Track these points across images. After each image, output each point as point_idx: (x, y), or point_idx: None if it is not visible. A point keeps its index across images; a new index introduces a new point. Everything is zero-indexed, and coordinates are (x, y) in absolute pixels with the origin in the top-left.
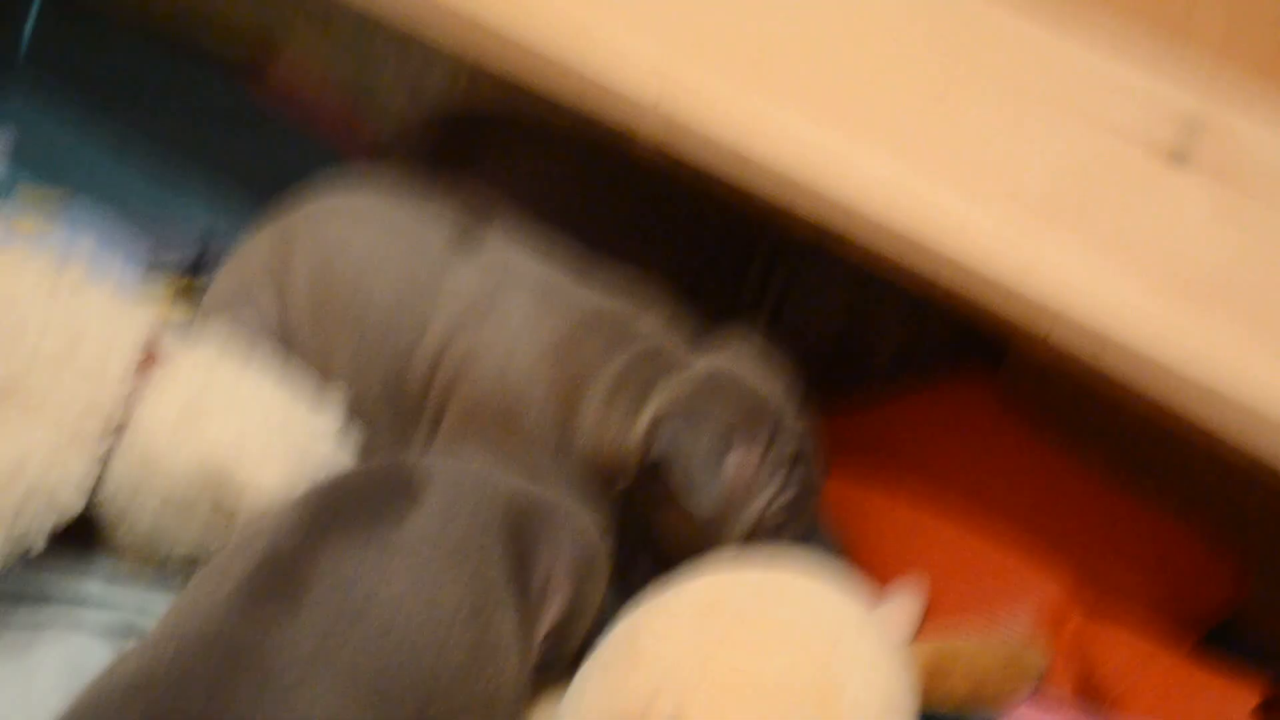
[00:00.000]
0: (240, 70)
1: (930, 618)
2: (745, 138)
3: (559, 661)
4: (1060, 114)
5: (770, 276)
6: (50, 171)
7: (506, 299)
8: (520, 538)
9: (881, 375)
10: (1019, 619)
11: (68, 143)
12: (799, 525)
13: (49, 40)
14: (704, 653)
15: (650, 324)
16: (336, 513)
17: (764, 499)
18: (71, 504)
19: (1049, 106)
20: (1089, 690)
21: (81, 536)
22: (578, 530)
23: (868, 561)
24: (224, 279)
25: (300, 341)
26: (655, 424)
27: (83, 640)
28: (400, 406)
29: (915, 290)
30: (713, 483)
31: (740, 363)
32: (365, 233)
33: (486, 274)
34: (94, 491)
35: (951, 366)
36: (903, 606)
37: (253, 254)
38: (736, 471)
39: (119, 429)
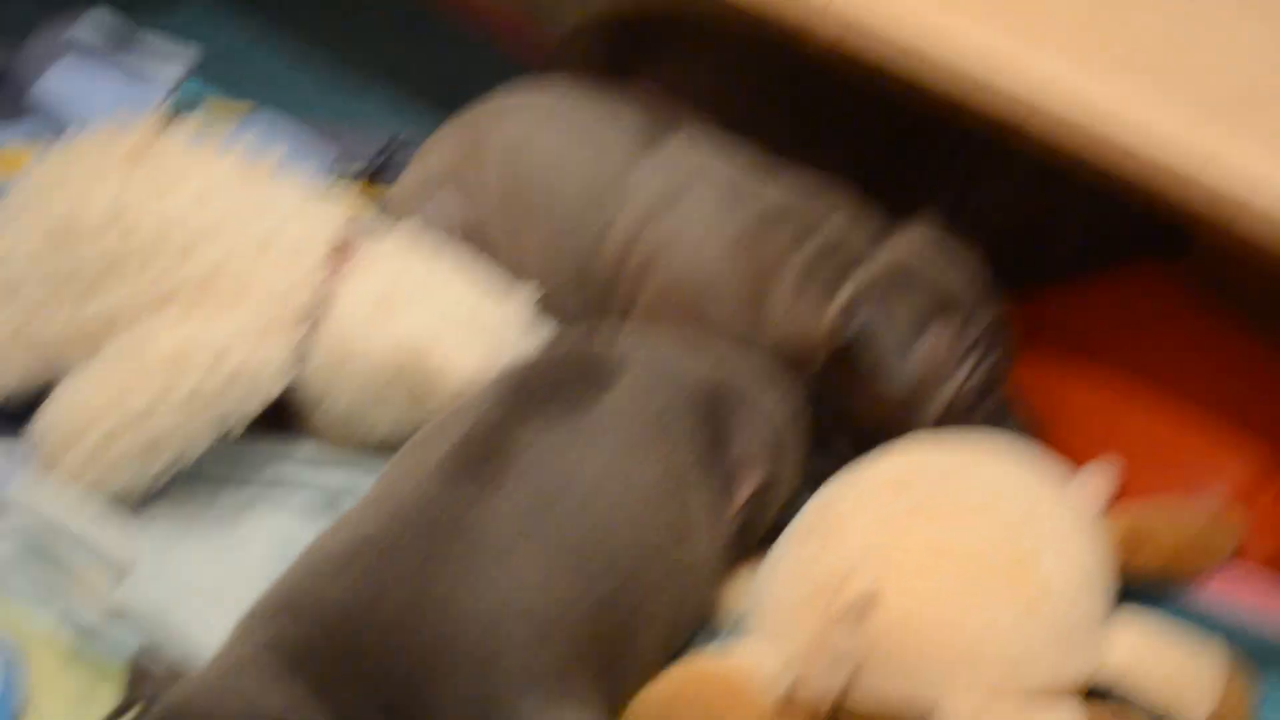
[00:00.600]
0: None
1: (1122, 498)
2: (920, 36)
3: (753, 537)
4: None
5: (949, 171)
6: (234, 85)
7: (694, 192)
8: (713, 417)
9: (1064, 267)
10: (1211, 497)
11: (250, 56)
12: (990, 406)
13: None
14: (898, 527)
15: (835, 216)
16: (535, 393)
17: (957, 381)
18: (271, 388)
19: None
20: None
21: (280, 421)
22: (771, 409)
23: (1058, 445)
24: (412, 175)
25: (488, 234)
26: (847, 308)
27: (283, 520)
28: (589, 297)
29: (1097, 181)
30: (905, 364)
31: (927, 249)
32: (553, 129)
33: (673, 168)
34: (293, 376)
35: (1135, 256)
36: (1096, 481)
37: (439, 151)
38: (929, 354)
39: (315, 315)
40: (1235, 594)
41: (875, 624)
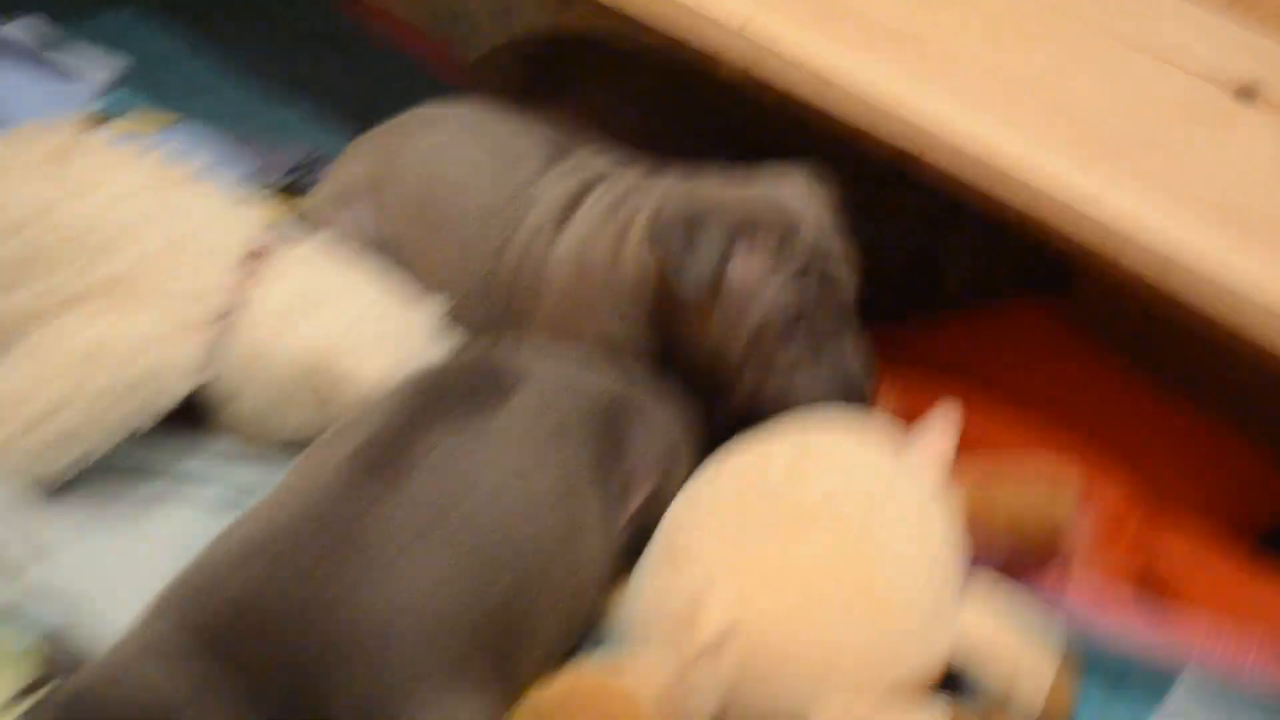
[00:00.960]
0: None
1: None
2: (826, 65)
3: (645, 543)
4: (1130, 51)
5: (845, 199)
6: (159, 95)
7: (585, 202)
8: (609, 431)
9: (951, 298)
10: (1082, 521)
11: (175, 69)
12: (816, 334)
13: None
14: (741, 549)
15: (682, 179)
16: (437, 400)
17: (768, 300)
18: (178, 388)
19: (1119, 43)
20: (1149, 586)
21: (190, 418)
22: (664, 423)
23: None
24: (327, 186)
25: (400, 245)
26: (650, 235)
27: (189, 514)
28: (493, 307)
29: (986, 216)
30: (698, 269)
31: (771, 186)
32: (463, 145)
33: (574, 179)
34: (204, 376)
35: (1018, 291)
36: (937, 436)
37: (354, 164)
38: (740, 271)
39: (225, 318)
40: (1098, 609)
41: (734, 653)
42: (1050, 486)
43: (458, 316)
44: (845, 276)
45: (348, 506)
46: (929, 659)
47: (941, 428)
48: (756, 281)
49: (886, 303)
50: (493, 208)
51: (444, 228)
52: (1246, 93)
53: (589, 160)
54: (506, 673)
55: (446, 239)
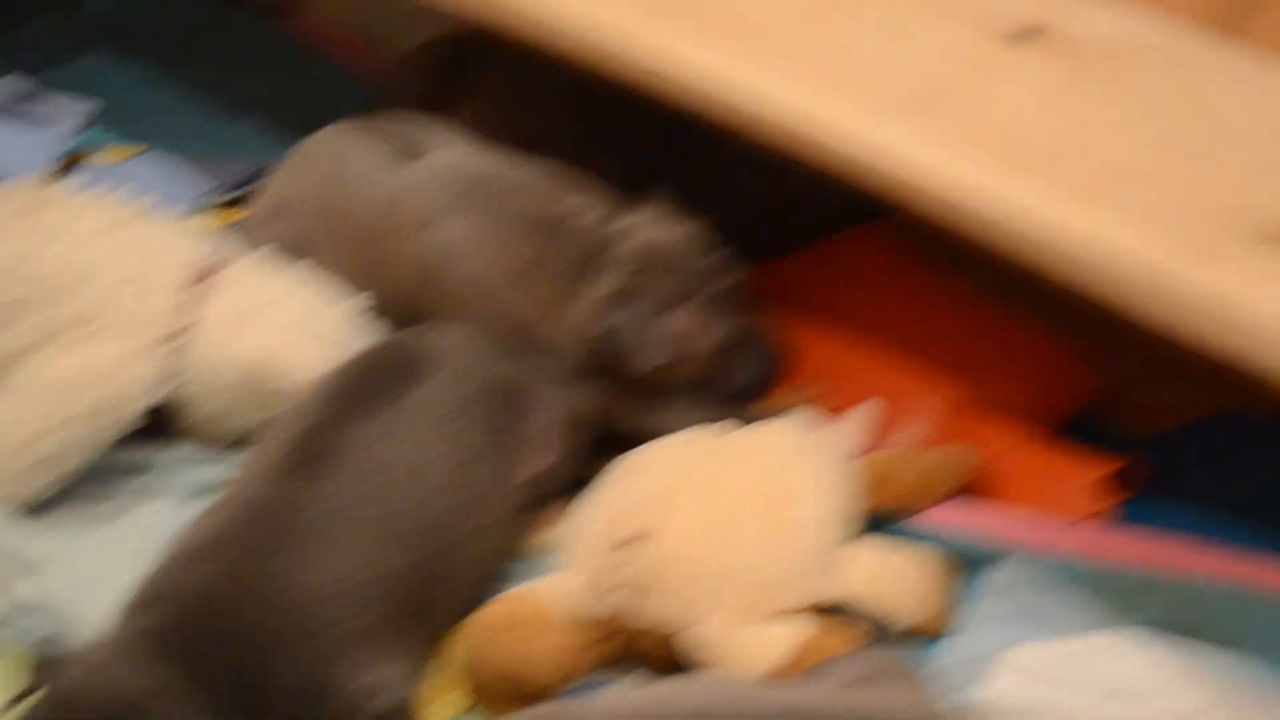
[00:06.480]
0: (274, 15)
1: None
2: (656, 62)
3: (547, 500)
4: (924, 12)
5: (701, 171)
6: (127, 130)
7: (452, 201)
8: (509, 405)
9: (794, 240)
10: (918, 425)
11: (139, 104)
12: (744, 350)
13: (109, 11)
14: (683, 471)
15: (577, 205)
16: (351, 391)
17: (707, 340)
18: (140, 404)
19: (916, 8)
20: (974, 476)
21: (158, 421)
22: (559, 409)
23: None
24: (259, 204)
25: (316, 250)
26: (598, 305)
27: (168, 510)
28: (397, 298)
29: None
30: (656, 346)
31: (659, 226)
32: (351, 159)
33: (428, 176)
34: (165, 390)
35: (851, 224)
36: (854, 425)
37: (277, 182)
38: (677, 328)
39: (179, 336)
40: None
41: (651, 554)
42: (944, 457)
43: (383, 309)
44: (727, 291)
45: (279, 502)
46: (814, 593)
47: (856, 421)
48: (692, 330)
49: (743, 248)
50: (373, 213)
51: (343, 237)
52: (1025, 35)
53: (439, 156)
54: (422, 623)
55: (347, 245)
